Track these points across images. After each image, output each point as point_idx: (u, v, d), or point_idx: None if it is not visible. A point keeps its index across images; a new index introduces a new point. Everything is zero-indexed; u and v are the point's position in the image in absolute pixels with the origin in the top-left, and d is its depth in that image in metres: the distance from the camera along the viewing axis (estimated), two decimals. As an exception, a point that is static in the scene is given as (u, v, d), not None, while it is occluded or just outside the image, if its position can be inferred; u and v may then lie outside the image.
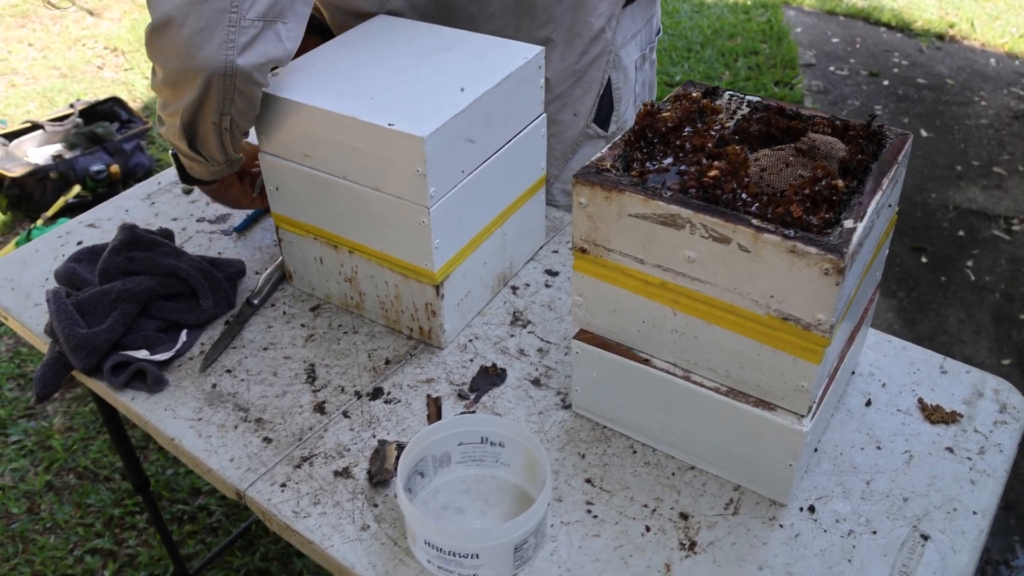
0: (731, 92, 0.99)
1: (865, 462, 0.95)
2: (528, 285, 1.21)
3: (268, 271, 1.22)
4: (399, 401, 1.04)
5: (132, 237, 1.14)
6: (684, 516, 0.90)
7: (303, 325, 1.16)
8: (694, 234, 0.82)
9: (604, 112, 1.31)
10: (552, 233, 1.29)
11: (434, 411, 1.02)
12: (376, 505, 0.92)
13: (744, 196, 0.82)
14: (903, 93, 3.49)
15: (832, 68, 3.65)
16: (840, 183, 0.81)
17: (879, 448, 0.97)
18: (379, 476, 0.94)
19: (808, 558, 0.86)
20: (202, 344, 1.13)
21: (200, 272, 1.14)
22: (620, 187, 0.84)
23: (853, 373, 1.06)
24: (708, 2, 4.29)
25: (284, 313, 1.18)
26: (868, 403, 1.02)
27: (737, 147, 0.84)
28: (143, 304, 1.10)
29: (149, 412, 1.04)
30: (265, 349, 1.12)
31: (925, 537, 0.88)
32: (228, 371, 1.09)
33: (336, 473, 0.96)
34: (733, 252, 0.81)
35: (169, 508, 1.88)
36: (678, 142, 0.90)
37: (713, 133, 0.92)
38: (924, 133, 3.20)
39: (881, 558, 0.86)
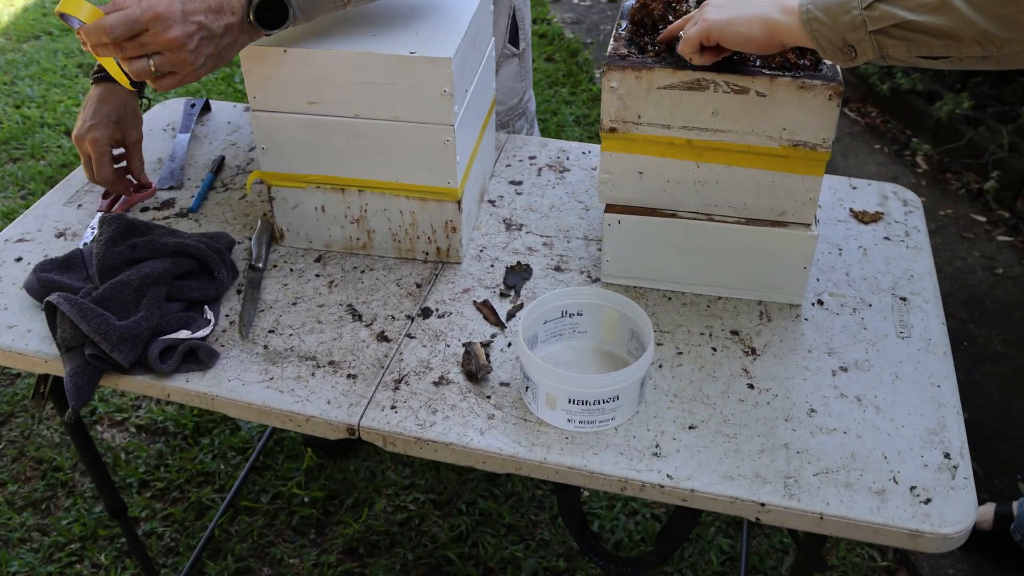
0: (672, -16, 1.16)
1: (837, 261, 1.19)
2: (502, 196, 1.32)
3: (255, 236, 1.21)
4: (451, 313, 1.12)
5: (126, 225, 1.09)
6: (735, 332, 1.08)
7: (317, 275, 1.18)
8: (717, 91, 0.99)
9: (513, 33, 1.43)
10: (495, 151, 1.40)
11: (488, 311, 1.11)
12: (488, 397, 1.00)
13: (748, 56, 1.00)
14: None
15: (575, 0, 4.00)
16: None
17: (841, 250, 1.22)
18: (481, 372, 1.02)
19: (836, 334, 1.08)
20: (226, 315, 1.12)
21: (206, 246, 1.12)
22: (648, 66, 0.99)
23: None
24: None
25: (292, 270, 1.19)
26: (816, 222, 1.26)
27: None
28: (168, 286, 1.07)
29: (214, 388, 1.02)
30: (294, 304, 1.14)
31: (903, 299, 1.13)
32: (271, 331, 1.10)
33: (435, 383, 1.02)
34: (751, 99, 0.99)
35: (113, 544, 1.75)
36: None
37: (687, 14, 1.09)
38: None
39: (883, 320, 1.10)
